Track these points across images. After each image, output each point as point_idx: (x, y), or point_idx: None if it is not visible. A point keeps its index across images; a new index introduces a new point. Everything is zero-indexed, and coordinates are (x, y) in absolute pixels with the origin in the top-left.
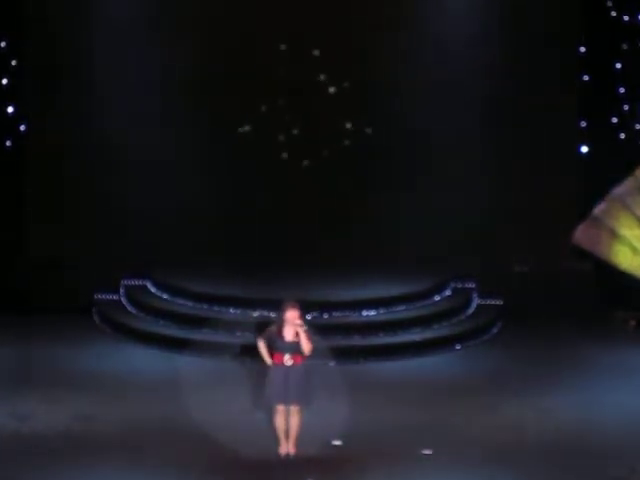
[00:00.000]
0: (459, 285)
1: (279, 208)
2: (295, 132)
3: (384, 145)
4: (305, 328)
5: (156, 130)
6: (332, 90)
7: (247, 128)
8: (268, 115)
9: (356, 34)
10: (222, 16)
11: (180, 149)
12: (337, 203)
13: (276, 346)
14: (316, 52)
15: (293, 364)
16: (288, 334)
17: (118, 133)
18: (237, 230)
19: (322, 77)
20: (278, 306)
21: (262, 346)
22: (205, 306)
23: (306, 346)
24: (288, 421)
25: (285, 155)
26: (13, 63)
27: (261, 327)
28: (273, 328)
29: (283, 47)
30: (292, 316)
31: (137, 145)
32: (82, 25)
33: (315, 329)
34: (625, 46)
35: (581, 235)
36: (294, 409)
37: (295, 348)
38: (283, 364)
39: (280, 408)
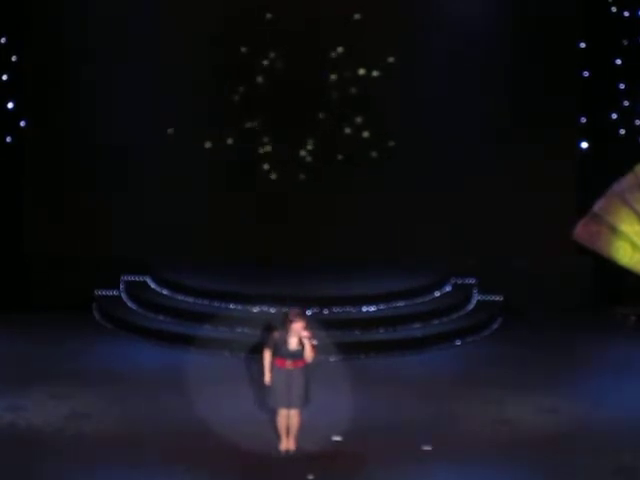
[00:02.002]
0: (459, 281)
1: (279, 205)
2: (295, 128)
3: (385, 144)
4: (313, 342)
5: (156, 128)
6: (336, 95)
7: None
8: (269, 115)
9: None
10: (223, 17)
11: (180, 147)
12: (337, 201)
13: (280, 352)
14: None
15: (295, 368)
16: (292, 342)
17: (118, 131)
18: (237, 227)
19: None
20: (278, 302)
21: (267, 358)
22: (205, 302)
23: (309, 355)
24: (289, 420)
25: (285, 153)
26: (13, 59)
27: (264, 327)
28: (277, 335)
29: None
30: (298, 327)
31: (137, 143)
32: (82, 21)
33: (316, 325)
34: (625, 42)
35: (581, 231)
36: (295, 411)
37: (298, 355)
38: (285, 368)
39: (282, 411)
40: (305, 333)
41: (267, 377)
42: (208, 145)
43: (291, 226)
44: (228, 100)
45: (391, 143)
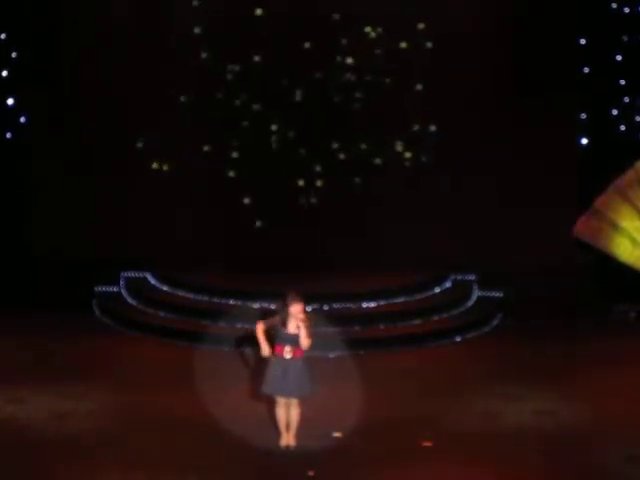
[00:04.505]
0: (459, 277)
1: (280, 205)
2: (299, 129)
3: (384, 145)
4: (307, 324)
5: (156, 126)
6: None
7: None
8: (270, 115)
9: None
10: (225, 16)
11: (181, 145)
12: (337, 200)
13: (278, 337)
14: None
15: (293, 357)
16: (291, 327)
17: (118, 128)
18: (237, 225)
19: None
20: (278, 298)
21: (260, 331)
22: (206, 298)
23: (305, 341)
24: (289, 413)
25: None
26: (13, 55)
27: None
28: (277, 319)
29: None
30: (296, 310)
31: (137, 142)
32: (81, 17)
33: (317, 320)
34: (625, 38)
35: (582, 227)
36: (294, 402)
37: (296, 340)
38: (283, 356)
39: (281, 401)
40: (302, 316)
41: (264, 347)
42: (208, 147)
43: (291, 224)
44: (229, 101)
45: (424, 158)
